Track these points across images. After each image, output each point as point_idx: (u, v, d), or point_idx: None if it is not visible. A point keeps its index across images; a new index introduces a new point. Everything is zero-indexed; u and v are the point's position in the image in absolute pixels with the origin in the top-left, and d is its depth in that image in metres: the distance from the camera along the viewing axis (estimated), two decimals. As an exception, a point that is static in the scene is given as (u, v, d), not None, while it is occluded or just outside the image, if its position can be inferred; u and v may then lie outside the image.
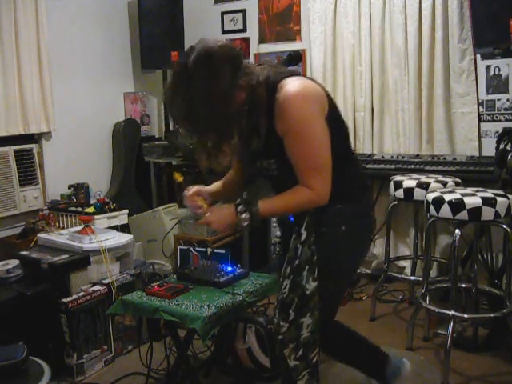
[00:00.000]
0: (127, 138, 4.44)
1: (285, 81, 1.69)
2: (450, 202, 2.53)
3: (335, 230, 1.80)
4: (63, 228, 3.59)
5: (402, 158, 3.68)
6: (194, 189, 1.99)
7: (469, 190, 2.63)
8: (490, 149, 3.45)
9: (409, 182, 3.06)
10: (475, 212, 2.48)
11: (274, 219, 3.84)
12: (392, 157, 3.73)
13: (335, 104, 1.81)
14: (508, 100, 3.52)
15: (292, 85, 1.67)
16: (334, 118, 1.75)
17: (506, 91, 3.51)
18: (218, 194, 2.10)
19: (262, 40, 4.43)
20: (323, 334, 1.82)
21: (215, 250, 2.82)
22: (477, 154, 3.56)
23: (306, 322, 1.77)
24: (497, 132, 3.48)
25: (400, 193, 3.07)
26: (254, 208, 1.74)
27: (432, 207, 2.61)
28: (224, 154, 1.72)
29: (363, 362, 2.08)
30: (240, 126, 1.69)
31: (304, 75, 1.78)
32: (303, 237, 1.77)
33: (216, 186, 2.14)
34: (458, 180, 3.11)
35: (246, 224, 1.75)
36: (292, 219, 1.87)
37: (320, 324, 1.80)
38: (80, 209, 3.66)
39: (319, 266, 1.77)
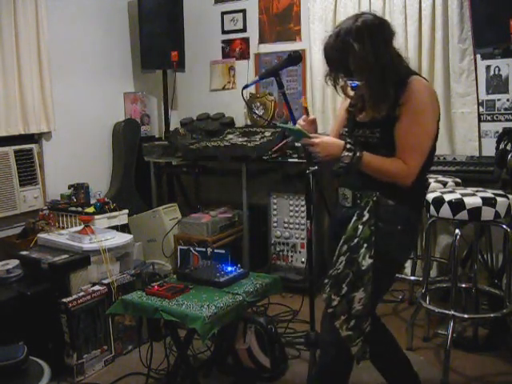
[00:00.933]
0: (127, 138, 4.44)
1: (416, 76, 1.90)
2: (450, 202, 2.53)
3: (391, 227, 1.89)
4: (63, 228, 3.59)
5: (402, 158, 3.67)
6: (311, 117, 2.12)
7: (469, 190, 2.63)
8: (490, 149, 3.45)
9: (409, 182, 3.05)
10: (475, 212, 2.48)
11: (275, 220, 3.85)
12: (392, 157, 3.72)
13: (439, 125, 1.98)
14: (508, 100, 3.52)
15: (424, 81, 1.91)
16: (438, 126, 1.94)
17: (506, 91, 3.51)
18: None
19: (262, 40, 4.43)
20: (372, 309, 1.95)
21: (215, 250, 2.83)
22: (477, 154, 3.56)
23: (359, 295, 1.84)
24: (497, 132, 3.48)
25: (400, 193, 3.07)
26: (359, 152, 1.86)
27: (432, 207, 2.61)
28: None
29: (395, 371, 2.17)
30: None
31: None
32: (365, 218, 1.87)
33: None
34: (458, 180, 3.11)
35: (345, 162, 1.88)
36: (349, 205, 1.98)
37: (373, 299, 1.89)
38: (80, 209, 3.66)
39: (376, 247, 1.86)
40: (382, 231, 1.87)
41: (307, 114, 2.12)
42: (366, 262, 1.83)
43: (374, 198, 1.87)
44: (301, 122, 2.08)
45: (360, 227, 1.87)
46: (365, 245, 1.84)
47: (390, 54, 1.85)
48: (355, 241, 1.87)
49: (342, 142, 1.91)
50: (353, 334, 1.87)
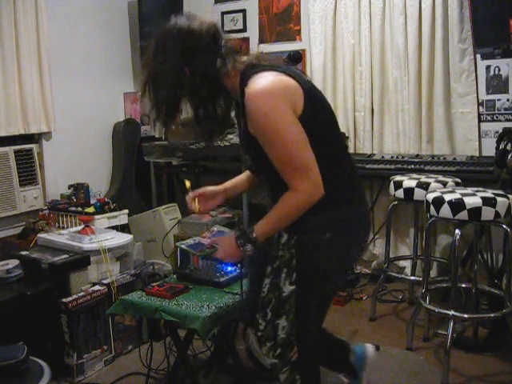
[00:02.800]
0: (127, 138, 4.44)
1: (256, 75, 1.61)
2: (450, 202, 2.53)
3: (318, 236, 1.70)
4: (63, 228, 3.59)
5: (402, 158, 3.68)
6: (197, 191, 2.03)
7: (469, 190, 2.63)
8: (490, 149, 3.45)
9: (409, 182, 3.06)
10: (475, 212, 2.48)
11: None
12: (392, 157, 3.73)
13: (321, 100, 1.71)
14: (508, 100, 3.52)
15: (258, 81, 1.59)
16: (313, 115, 1.63)
17: (506, 91, 3.51)
18: (233, 188, 2.10)
19: (262, 40, 4.43)
20: (298, 339, 1.78)
21: (215, 250, 2.82)
22: (477, 154, 3.56)
23: (282, 323, 1.75)
24: (497, 132, 3.48)
25: (400, 193, 3.07)
26: (251, 236, 1.70)
27: (432, 207, 2.61)
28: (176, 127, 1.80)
29: (329, 361, 2.06)
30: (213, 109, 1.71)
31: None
32: (283, 239, 1.75)
33: (236, 179, 2.14)
34: (458, 180, 3.11)
35: (252, 250, 1.72)
36: None
37: (296, 329, 1.76)
38: (80, 209, 3.66)
39: (298, 271, 1.72)
40: (308, 244, 1.70)
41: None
42: (287, 289, 1.71)
43: None
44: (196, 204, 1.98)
45: (280, 248, 1.74)
46: (284, 269, 1.72)
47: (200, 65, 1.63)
48: (276, 263, 1.75)
49: (233, 242, 1.73)
50: (278, 362, 1.77)
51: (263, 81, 1.58)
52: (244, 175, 2.12)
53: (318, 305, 1.78)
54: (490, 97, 3.57)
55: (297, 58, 2.34)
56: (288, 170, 1.61)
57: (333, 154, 1.73)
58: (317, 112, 1.66)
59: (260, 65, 1.67)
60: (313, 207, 1.64)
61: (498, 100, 3.55)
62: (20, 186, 3.71)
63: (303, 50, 4.12)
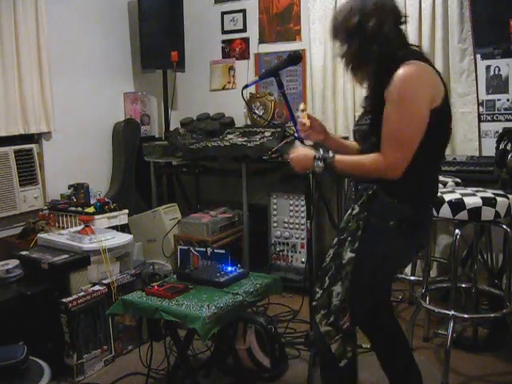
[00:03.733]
0: (127, 138, 4.44)
1: (410, 60, 1.76)
2: (450, 202, 2.53)
3: (383, 223, 1.80)
4: (63, 228, 3.59)
5: (402, 158, 3.67)
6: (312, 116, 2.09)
7: (469, 190, 2.63)
8: (490, 149, 3.45)
9: (409, 182, 3.05)
10: (475, 212, 2.48)
11: (275, 219, 3.85)
12: (392, 157, 3.72)
13: (449, 107, 1.84)
14: (508, 100, 3.52)
15: (415, 64, 1.75)
16: (440, 117, 1.76)
17: (506, 91, 3.51)
18: (334, 138, 2.17)
19: (262, 40, 4.43)
20: (350, 307, 1.84)
21: (215, 250, 2.82)
22: (477, 154, 3.56)
23: (336, 290, 1.82)
24: (497, 132, 3.48)
25: (400, 193, 3.07)
26: (329, 159, 1.84)
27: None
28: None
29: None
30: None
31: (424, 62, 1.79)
32: (355, 211, 1.84)
33: (338, 138, 2.24)
34: (457, 180, 3.11)
35: (319, 171, 1.87)
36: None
37: (350, 295, 1.82)
38: (80, 209, 3.66)
39: (360, 243, 1.81)
40: (374, 227, 1.80)
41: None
42: (347, 256, 1.80)
43: (370, 192, 1.81)
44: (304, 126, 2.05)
45: (350, 220, 1.84)
46: (349, 238, 1.82)
47: (384, 35, 1.79)
48: (345, 234, 1.85)
49: (312, 153, 1.89)
50: (331, 330, 1.82)
51: (418, 65, 1.76)
52: (347, 141, 2.21)
53: (370, 281, 1.86)
54: (490, 97, 3.57)
55: (297, 57, 2.33)
56: (390, 139, 1.73)
57: (433, 156, 1.85)
58: (443, 113, 1.79)
59: (417, 53, 1.87)
60: (399, 190, 1.77)
61: (498, 100, 3.55)
62: (20, 185, 3.71)
63: (303, 50, 4.12)
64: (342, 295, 1.81)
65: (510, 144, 2.98)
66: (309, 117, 2.05)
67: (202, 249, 2.87)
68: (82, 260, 2.86)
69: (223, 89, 4.64)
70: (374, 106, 1.81)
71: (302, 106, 2.06)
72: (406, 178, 1.75)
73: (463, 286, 3.05)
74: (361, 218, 1.81)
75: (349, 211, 1.87)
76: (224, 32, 4.59)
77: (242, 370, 2.63)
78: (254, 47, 4.47)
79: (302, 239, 3.74)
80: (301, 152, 1.98)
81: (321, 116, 4.04)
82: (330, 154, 1.87)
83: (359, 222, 1.81)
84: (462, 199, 2.51)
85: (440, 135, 1.81)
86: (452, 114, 1.87)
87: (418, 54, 1.83)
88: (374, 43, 1.79)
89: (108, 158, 4.49)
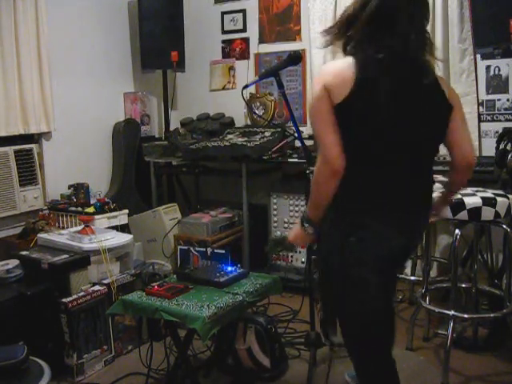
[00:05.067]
0: (127, 138, 4.44)
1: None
2: (449, 202, 2.53)
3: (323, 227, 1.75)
4: (63, 228, 3.59)
5: (402, 158, 3.67)
6: None
7: (469, 190, 2.63)
8: (490, 149, 3.45)
9: (409, 182, 3.05)
10: (475, 212, 2.48)
11: (275, 219, 3.85)
12: (392, 157, 3.72)
13: (364, 103, 1.61)
14: (508, 100, 3.52)
15: (327, 65, 1.76)
16: (347, 114, 1.61)
17: (506, 91, 3.51)
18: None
19: (261, 40, 4.43)
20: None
21: (215, 250, 2.83)
22: (477, 154, 3.56)
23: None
24: (497, 132, 3.48)
25: (400, 193, 3.07)
26: (306, 214, 1.77)
27: (432, 207, 2.61)
28: None
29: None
30: None
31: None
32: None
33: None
34: (458, 180, 3.10)
35: (311, 231, 1.77)
36: None
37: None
38: (80, 209, 3.66)
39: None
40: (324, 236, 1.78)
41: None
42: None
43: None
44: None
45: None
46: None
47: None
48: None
49: (297, 226, 1.82)
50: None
51: (330, 64, 1.81)
52: None
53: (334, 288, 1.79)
54: (490, 97, 3.57)
55: (297, 57, 2.33)
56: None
57: (361, 159, 1.67)
58: (350, 113, 1.65)
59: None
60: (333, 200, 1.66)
61: (498, 100, 3.55)
62: (20, 185, 3.71)
63: (303, 50, 4.12)
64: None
65: (510, 144, 2.98)
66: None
67: (202, 249, 2.88)
68: (82, 260, 2.86)
69: (223, 89, 4.64)
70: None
71: None
72: (343, 185, 1.64)
73: (463, 285, 3.05)
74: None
75: None
76: (224, 32, 4.59)
77: (241, 370, 2.63)
78: (254, 47, 4.47)
79: (302, 239, 3.74)
80: (293, 230, 1.89)
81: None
82: (302, 215, 1.79)
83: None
84: (461, 199, 2.51)
85: (353, 134, 1.62)
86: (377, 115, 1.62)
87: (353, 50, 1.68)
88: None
89: (108, 157, 4.49)
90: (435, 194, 2.64)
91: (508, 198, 2.53)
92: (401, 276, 3.48)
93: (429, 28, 3.69)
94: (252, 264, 3.70)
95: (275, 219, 3.88)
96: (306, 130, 3.98)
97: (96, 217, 3.50)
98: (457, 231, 2.56)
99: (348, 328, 1.81)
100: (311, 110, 1.68)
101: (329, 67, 1.72)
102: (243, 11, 4.48)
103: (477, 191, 2.59)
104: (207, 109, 4.54)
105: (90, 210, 3.59)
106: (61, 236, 3.13)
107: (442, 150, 3.80)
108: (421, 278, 3.03)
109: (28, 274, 2.83)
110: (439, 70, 3.61)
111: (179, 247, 3.76)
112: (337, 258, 1.69)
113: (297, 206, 3.78)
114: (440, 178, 3.11)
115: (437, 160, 3.53)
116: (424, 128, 1.77)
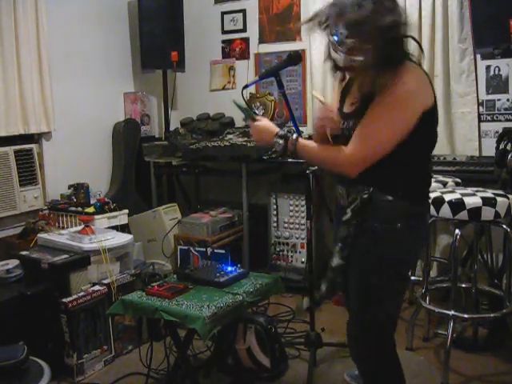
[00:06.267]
0: (127, 138, 4.44)
1: (408, 63, 1.72)
2: (450, 202, 2.53)
3: (390, 226, 1.74)
4: (63, 228, 3.59)
5: (402, 158, 3.67)
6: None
7: (469, 190, 2.63)
8: (490, 149, 3.45)
9: (409, 182, 3.05)
10: (475, 212, 2.48)
11: (275, 219, 3.85)
12: (392, 157, 3.72)
13: (437, 108, 1.78)
14: (508, 100, 3.52)
15: (412, 68, 1.72)
16: (429, 118, 1.73)
17: (506, 91, 3.51)
18: None
19: (262, 40, 4.43)
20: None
21: (215, 250, 2.82)
22: (477, 154, 3.56)
23: (323, 288, 1.87)
24: (497, 132, 3.48)
25: (400, 193, 3.07)
26: (293, 140, 1.80)
27: (432, 207, 2.61)
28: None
29: None
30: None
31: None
32: (346, 216, 1.79)
33: None
34: (458, 180, 3.11)
35: (278, 150, 1.83)
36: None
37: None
38: (80, 209, 3.66)
39: (354, 252, 1.79)
40: (377, 231, 1.74)
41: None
42: (336, 262, 1.80)
43: (365, 195, 1.74)
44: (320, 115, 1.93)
45: (341, 225, 1.80)
46: (339, 244, 1.79)
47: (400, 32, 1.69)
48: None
49: (276, 129, 1.86)
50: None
51: (415, 71, 1.76)
52: None
53: (383, 289, 1.81)
54: (490, 97, 3.57)
55: (297, 57, 2.33)
56: (359, 133, 1.71)
57: (425, 154, 1.82)
58: (432, 117, 1.77)
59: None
60: (397, 188, 1.74)
61: (498, 100, 3.55)
62: (20, 185, 3.71)
63: (303, 50, 4.12)
64: (325, 294, 1.88)
65: (510, 144, 2.98)
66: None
67: (202, 249, 2.87)
68: (82, 260, 2.86)
69: (223, 89, 4.64)
70: (361, 109, 1.75)
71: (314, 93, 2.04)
72: (400, 176, 1.74)
73: (463, 285, 3.05)
74: (352, 223, 1.77)
75: (343, 215, 1.82)
76: (224, 32, 4.59)
77: (241, 370, 2.63)
78: (254, 47, 4.47)
79: (302, 239, 3.74)
80: (265, 124, 1.92)
81: (321, 116, 4.03)
82: (294, 136, 1.82)
83: (350, 228, 1.77)
84: (461, 199, 2.51)
85: (429, 135, 1.78)
86: (438, 116, 1.82)
87: (409, 56, 1.76)
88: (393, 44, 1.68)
89: (108, 157, 4.49)
90: (434, 194, 2.65)
91: (508, 198, 2.53)
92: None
93: (429, 28, 3.73)
94: (252, 264, 3.70)
95: (275, 219, 3.88)
96: (306, 130, 3.98)
97: (96, 217, 3.50)
98: (457, 231, 2.56)
99: (377, 331, 1.84)
100: (398, 120, 1.67)
101: (421, 74, 1.73)
102: (243, 11, 4.48)
103: (477, 191, 2.59)
104: (207, 109, 4.54)
105: (90, 210, 3.59)
106: (61, 236, 3.13)
107: (442, 149, 3.82)
108: (421, 278, 3.03)
109: (28, 274, 2.83)
110: (439, 70, 3.62)
111: (179, 247, 3.75)
112: (410, 249, 1.80)
113: (297, 206, 3.78)
114: (440, 177, 3.11)
115: (436, 160, 3.57)
116: None
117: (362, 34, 1.63)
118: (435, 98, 1.76)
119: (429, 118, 1.72)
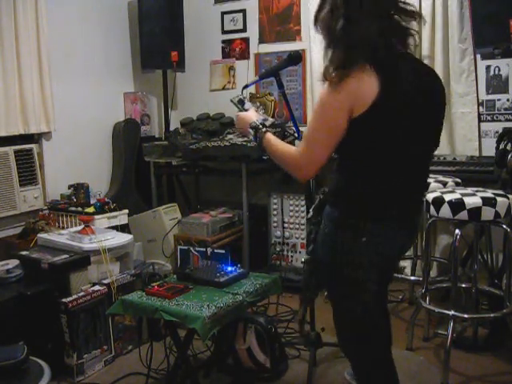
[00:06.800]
0: (127, 138, 4.44)
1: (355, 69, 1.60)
2: (450, 202, 2.53)
3: (329, 231, 1.72)
4: (63, 228, 3.59)
5: (402, 158, 3.67)
6: None
7: (469, 190, 2.63)
8: (490, 149, 3.45)
9: (409, 181, 3.05)
10: (475, 212, 2.48)
11: (275, 219, 3.86)
12: (392, 157, 3.72)
13: (390, 114, 1.58)
14: (508, 100, 3.52)
15: (353, 76, 1.58)
16: (368, 125, 1.58)
17: (506, 91, 3.51)
18: None
19: (261, 40, 4.43)
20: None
21: (215, 250, 2.82)
22: (477, 154, 3.56)
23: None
24: (497, 132, 3.48)
25: (400, 193, 3.07)
26: (261, 133, 1.85)
27: (432, 207, 2.61)
28: None
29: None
30: None
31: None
32: (309, 215, 1.90)
33: None
34: (458, 180, 3.11)
35: (251, 140, 1.93)
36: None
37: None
38: (80, 209, 3.66)
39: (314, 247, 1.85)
40: (323, 235, 1.76)
41: None
42: (304, 257, 1.92)
43: (321, 196, 1.82)
44: None
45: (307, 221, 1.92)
46: (306, 240, 1.90)
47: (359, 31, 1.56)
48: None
49: (252, 119, 1.90)
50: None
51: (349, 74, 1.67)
52: None
53: (340, 289, 1.81)
54: (490, 97, 3.57)
55: (297, 58, 2.33)
56: (304, 136, 1.71)
57: (380, 166, 1.65)
58: (373, 124, 1.62)
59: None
60: (336, 200, 1.72)
61: (498, 100, 3.55)
62: (20, 185, 3.71)
63: (303, 50, 4.12)
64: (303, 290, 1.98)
65: (510, 144, 2.98)
66: None
67: (202, 249, 2.87)
68: (82, 260, 2.86)
69: (223, 89, 4.64)
70: None
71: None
72: (347, 183, 1.69)
73: (463, 285, 3.05)
74: (313, 222, 1.85)
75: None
76: (224, 32, 4.59)
77: (241, 370, 2.63)
78: (254, 47, 4.47)
79: (302, 239, 3.74)
80: (246, 114, 1.98)
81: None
82: (263, 129, 1.85)
83: (311, 226, 1.85)
84: (461, 199, 2.51)
85: (372, 144, 1.60)
86: (399, 122, 1.60)
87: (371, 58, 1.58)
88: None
89: (108, 157, 4.49)
90: (434, 194, 2.65)
91: (508, 198, 2.53)
92: (401, 276, 3.48)
93: (429, 28, 3.73)
94: (252, 264, 3.70)
95: (275, 219, 3.88)
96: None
97: (96, 217, 3.50)
98: (457, 231, 2.56)
99: (349, 329, 1.82)
100: (322, 114, 1.65)
101: (352, 78, 1.65)
102: (243, 11, 4.48)
103: (477, 191, 2.59)
104: (207, 109, 4.54)
105: (90, 210, 3.59)
106: (61, 236, 3.13)
107: (443, 149, 3.82)
108: (421, 278, 3.03)
109: (28, 274, 2.83)
110: (439, 70, 3.62)
111: (179, 247, 3.75)
112: (344, 259, 1.70)
113: (297, 206, 3.78)
114: (440, 177, 3.11)
115: (436, 160, 3.57)
116: None
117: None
118: (388, 96, 1.55)
119: (363, 128, 1.58)
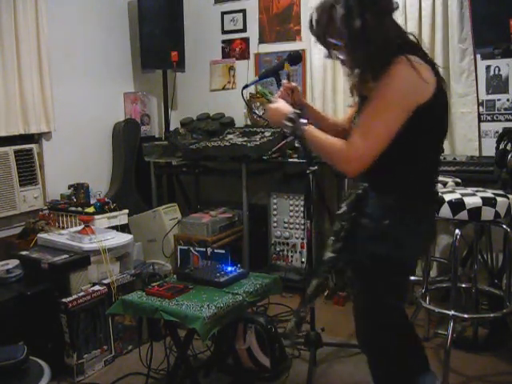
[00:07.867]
0: (127, 138, 4.44)
1: (404, 56, 1.67)
2: (450, 202, 2.53)
3: (377, 223, 1.71)
4: (63, 228, 3.59)
5: (402, 158, 3.67)
6: (292, 85, 2.04)
7: (469, 190, 2.63)
8: (490, 149, 3.45)
9: (409, 182, 3.05)
10: (475, 212, 2.48)
11: (275, 219, 3.86)
12: (392, 157, 3.72)
13: (443, 100, 1.76)
14: (508, 100, 3.52)
15: (404, 61, 1.66)
16: (429, 112, 1.66)
17: (506, 91, 3.51)
18: (317, 115, 2.09)
19: (262, 40, 4.43)
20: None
21: (215, 250, 2.82)
22: (477, 154, 3.56)
23: (313, 283, 1.87)
24: (497, 132, 3.48)
25: (400, 193, 3.07)
26: (302, 124, 1.79)
27: (432, 207, 2.61)
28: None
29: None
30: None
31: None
32: (341, 210, 1.81)
33: (325, 114, 2.18)
34: (458, 180, 3.10)
35: (286, 131, 1.85)
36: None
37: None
38: (80, 209, 3.66)
39: (345, 247, 1.79)
40: (371, 229, 1.72)
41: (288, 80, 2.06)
42: (327, 255, 1.79)
43: (359, 191, 1.76)
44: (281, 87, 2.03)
45: (336, 219, 1.82)
46: (332, 238, 1.79)
47: (384, 27, 1.64)
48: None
49: (289, 111, 1.84)
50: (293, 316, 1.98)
51: (409, 64, 1.73)
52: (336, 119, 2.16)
53: (393, 286, 1.84)
54: (490, 97, 3.57)
55: (297, 57, 2.33)
56: (361, 125, 1.68)
57: (427, 154, 1.75)
58: (432, 111, 1.71)
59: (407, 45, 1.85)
60: (380, 193, 1.73)
61: (498, 100, 3.55)
62: (20, 185, 3.71)
63: (303, 50, 4.12)
64: (312, 290, 1.87)
65: (510, 144, 2.98)
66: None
67: (202, 249, 2.88)
68: (82, 260, 2.86)
69: (223, 89, 4.64)
70: (360, 108, 1.75)
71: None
72: (396, 175, 1.71)
73: (463, 285, 3.05)
74: (345, 218, 1.77)
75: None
76: (224, 32, 4.59)
77: (241, 370, 2.63)
78: (254, 47, 4.47)
79: (302, 239, 3.74)
80: (280, 105, 1.92)
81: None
82: (305, 121, 1.80)
83: (343, 222, 1.78)
84: (461, 199, 2.51)
85: (430, 126, 1.69)
86: (449, 111, 1.78)
87: (408, 47, 1.73)
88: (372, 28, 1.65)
89: (108, 157, 4.49)
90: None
91: (508, 198, 2.53)
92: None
93: (429, 28, 3.73)
94: (252, 264, 3.70)
95: (275, 219, 3.88)
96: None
97: (96, 217, 3.50)
98: (457, 231, 2.56)
99: (390, 320, 1.92)
100: (389, 107, 1.65)
101: (413, 68, 1.70)
102: (243, 11, 4.48)
103: (477, 191, 2.59)
104: (207, 109, 4.54)
105: (90, 210, 3.59)
106: (61, 236, 3.13)
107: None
108: (421, 278, 3.03)
109: (28, 274, 2.83)
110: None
111: (179, 247, 3.75)
112: (407, 246, 1.75)
113: (297, 206, 3.78)
114: (440, 177, 3.11)
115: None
116: None
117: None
118: (440, 86, 1.73)
119: (427, 112, 1.65)
